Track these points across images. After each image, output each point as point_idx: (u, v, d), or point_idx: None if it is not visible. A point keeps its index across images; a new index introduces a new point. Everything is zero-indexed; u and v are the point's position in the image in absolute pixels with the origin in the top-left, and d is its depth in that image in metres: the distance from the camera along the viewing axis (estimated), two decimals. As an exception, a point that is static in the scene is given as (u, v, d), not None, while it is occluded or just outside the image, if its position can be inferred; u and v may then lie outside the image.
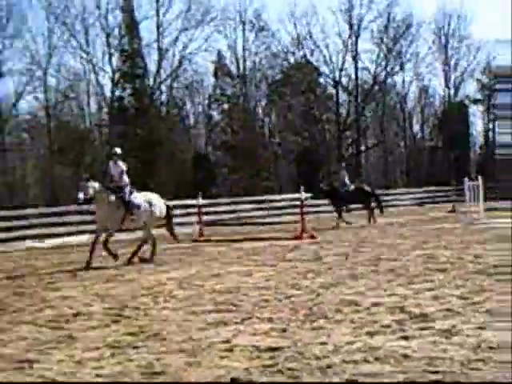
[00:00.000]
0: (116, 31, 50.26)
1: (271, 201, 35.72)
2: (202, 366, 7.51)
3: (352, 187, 29.50)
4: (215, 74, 55.07)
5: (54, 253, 21.67)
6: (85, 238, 25.29)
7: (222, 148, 55.15)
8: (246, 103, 55.80)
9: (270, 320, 9.79)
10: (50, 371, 7.49)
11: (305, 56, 56.16)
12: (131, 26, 49.69)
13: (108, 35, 49.90)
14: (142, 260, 17.83)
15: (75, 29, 49.19)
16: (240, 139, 53.55)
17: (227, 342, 8.55)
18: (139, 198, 18.23)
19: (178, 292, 12.62)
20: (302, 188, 25.81)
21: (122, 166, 18.34)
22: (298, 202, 26.70)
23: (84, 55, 49.65)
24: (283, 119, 58.01)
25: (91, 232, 25.52)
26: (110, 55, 50.20)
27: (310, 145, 55.71)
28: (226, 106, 56.20)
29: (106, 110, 51.75)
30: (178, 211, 29.70)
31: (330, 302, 10.98)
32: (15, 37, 47.70)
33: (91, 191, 17.25)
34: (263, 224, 28.71)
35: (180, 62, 51.84)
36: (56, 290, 13.48)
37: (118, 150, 18.77)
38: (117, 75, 50.31)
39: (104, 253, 17.83)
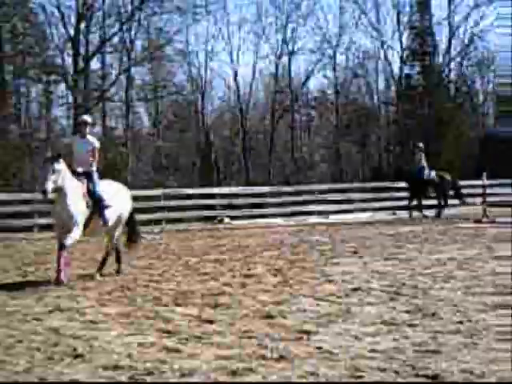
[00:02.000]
0: (407, 9, 49.96)
1: None
2: (477, 349, 7.40)
3: (433, 174, 26.18)
4: (510, 52, 52.96)
5: (333, 228, 22.04)
6: (365, 215, 25.53)
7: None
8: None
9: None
10: (327, 343, 7.69)
11: None
12: (423, 2, 49.14)
13: (399, 13, 49.78)
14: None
15: (366, 7, 49.64)
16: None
17: (505, 326, 8.34)
18: (107, 190, 13.16)
19: (458, 273, 12.45)
20: None
21: (94, 142, 13.27)
22: None
23: (374, 33, 49.91)
24: None
25: (373, 210, 25.74)
26: (400, 33, 50.06)
27: None
28: (518, 85, 54.12)
29: (393, 87, 51.65)
30: (464, 191, 29.09)
31: None
32: (308, 16, 48.90)
33: (60, 180, 12.11)
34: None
35: (471, 40, 50.52)
36: (336, 265, 13.76)
37: (88, 119, 13.75)
38: (406, 53, 50.04)
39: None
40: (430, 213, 26.14)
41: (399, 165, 27.48)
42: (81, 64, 39.06)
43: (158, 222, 22.21)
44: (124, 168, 39.42)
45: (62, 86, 42.17)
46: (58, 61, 40.89)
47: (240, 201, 24.91)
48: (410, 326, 8.46)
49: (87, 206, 12.52)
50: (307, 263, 14.17)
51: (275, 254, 15.82)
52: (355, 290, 10.90)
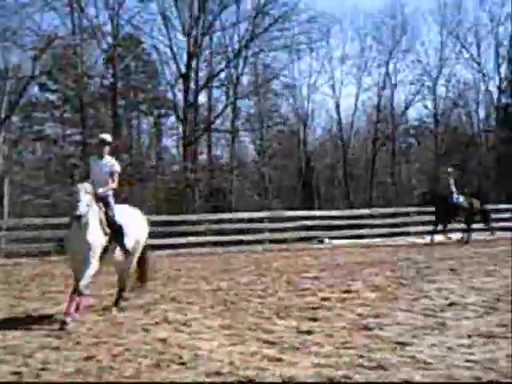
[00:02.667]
0: (506, 42, 49.19)
1: None
2: None
3: (461, 200, 24.16)
4: None
5: (430, 247, 21.80)
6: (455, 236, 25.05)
7: None
8: None
9: None
10: (422, 354, 7.66)
11: None
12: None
13: (498, 46, 49.12)
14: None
15: (467, 41, 49.10)
16: None
17: None
18: (123, 215, 11.16)
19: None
20: None
21: (114, 164, 11.25)
22: None
23: (475, 65, 49.30)
24: None
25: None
26: (499, 65, 49.40)
27: None
28: None
29: (493, 116, 50.91)
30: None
31: None
32: (408, 50, 48.66)
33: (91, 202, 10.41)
34: None
35: None
36: (433, 282, 13.56)
37: (108, 138, 11.44)
38: (504, 83, 49.38)
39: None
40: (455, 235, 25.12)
41: (431, 189, 25.59)
42: (189, 97, 39.88)
43: (260, 242, 22.35)
44: (229, 192, 40.04)
45: (172, 118, 43.11)
46: (169, 95, 41.86)
47: (340, 222, 24.83)
48: (505, 338, 8.30)
49: (105, 234, 10.50)
50: (404, 280, 14.02)
51: (374, 271, 15.69)
52: (451, 304, 10.77)
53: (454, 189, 24.26)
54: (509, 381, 6.53)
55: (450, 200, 23.81)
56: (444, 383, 6.64)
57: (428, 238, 24.26)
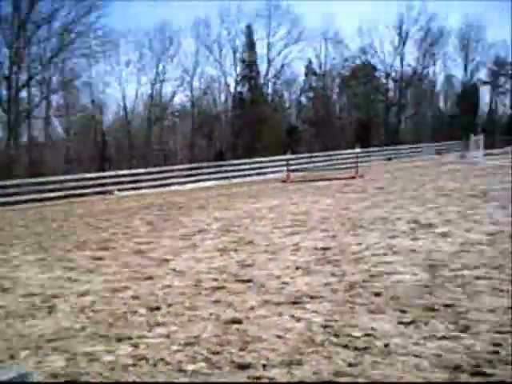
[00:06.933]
0: (240, 48, 50.85)
1: (338, 154, 34.09)
2: (277, 260, 7.58)
3: None
4: (306, 74, 54.88)
5: (188, 193, 21.82)
6: (210, 183, 25.33)
7: (307, 122, 55.32)
8: (325, 92, 55.69)
9: (326, 230, 9.72)
10: (179, 266, 7.69)
11: (366, 59, 55.17)
12: (250, 45, 50.28)
13: (235, 51, 50.76)
14: None
15: (213, 48, 49.85)
16: (320, 116, 53.41)
17: (296, 244, 8.56)
18: None
19: (269, 215, 12.59)
20: (357, 145, 25.80)
21: None
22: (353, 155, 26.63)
23: (218, 65, 50.58)
24: (350, 102, 57.61)
25: (215, 179, 25.52)
26: (236, 65, 51.13)
27: (367, 117, 54.38)
28: (311, 94, 56.32)
29: (230, 99, 52.49)
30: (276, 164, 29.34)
31: (368, 217, 10.83)
32: (173, 56, 48.43)
33: None
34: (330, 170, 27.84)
35: (282, 67, 52.35)
36: (189, 216, 13.60)
37: None
38: (239, 77, 51.16)
39: None
40: None
41: None
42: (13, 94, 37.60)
43: (64, 197, 21.10)
44: (43, 162, 38.14)
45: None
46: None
47: (125, 179, 24.13)
48: (235, 250, 8.53)
49: None
50: (169, 216, 13.81)
51: (147, 212, 15.25)
52: (200, 231, 10.86)
53: None
54: (236, 278, 6.69)
55: None
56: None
57: (187, 186, 24.25)
